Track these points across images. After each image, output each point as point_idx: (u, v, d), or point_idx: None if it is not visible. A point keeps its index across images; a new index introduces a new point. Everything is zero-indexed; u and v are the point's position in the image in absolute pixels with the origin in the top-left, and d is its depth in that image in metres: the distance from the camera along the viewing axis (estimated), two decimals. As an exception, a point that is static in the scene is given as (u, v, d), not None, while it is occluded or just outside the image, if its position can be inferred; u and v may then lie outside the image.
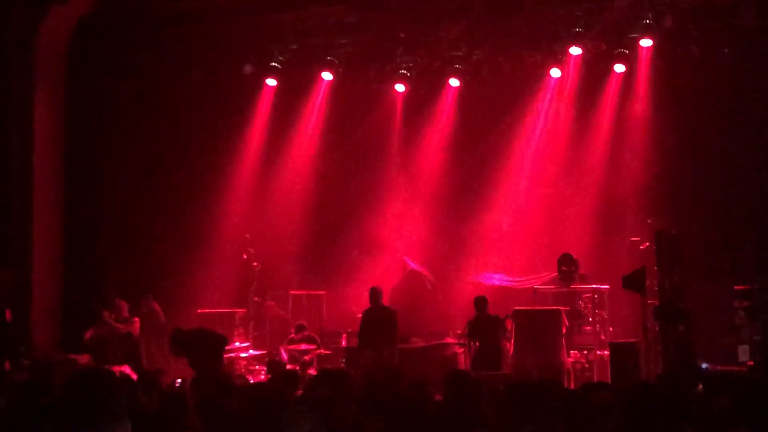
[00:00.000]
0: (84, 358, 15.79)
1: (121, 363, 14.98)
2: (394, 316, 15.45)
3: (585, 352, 16.07)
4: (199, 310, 16.97)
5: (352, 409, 7.05)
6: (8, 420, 5.84)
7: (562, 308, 15.82)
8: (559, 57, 17.59)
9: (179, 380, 13.62)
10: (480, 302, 15.70)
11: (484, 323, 15.49)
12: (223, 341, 14.86)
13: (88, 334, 15.88)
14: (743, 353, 15.02)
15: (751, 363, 13.91)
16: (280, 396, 7.79)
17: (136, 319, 16.37)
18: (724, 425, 7.02)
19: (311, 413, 4.12)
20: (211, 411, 6.50)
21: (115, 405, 3.41)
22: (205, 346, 14.61)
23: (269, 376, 14.83)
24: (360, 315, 18.11)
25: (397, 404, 7.19)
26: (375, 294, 15.67)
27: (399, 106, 19.26)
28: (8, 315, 16.07)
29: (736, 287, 15.44)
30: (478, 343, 15.40)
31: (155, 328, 17.02)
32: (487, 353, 15.19)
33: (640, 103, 17.66)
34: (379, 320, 15.38)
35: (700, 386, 8.71)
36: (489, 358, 15.05)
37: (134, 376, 13.08)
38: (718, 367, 13.39)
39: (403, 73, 18.51)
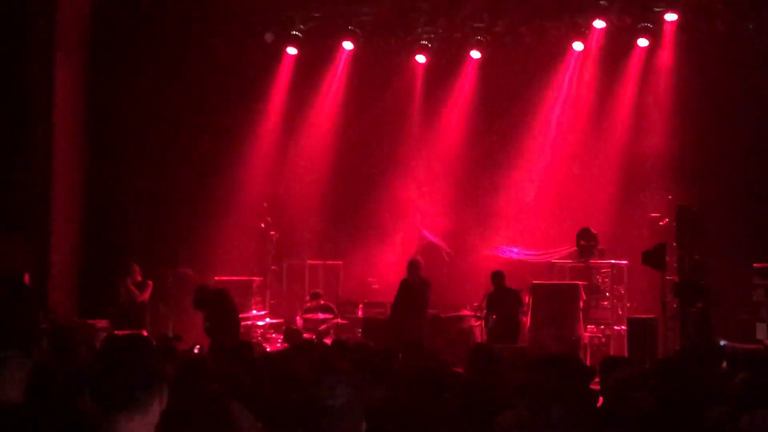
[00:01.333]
0: (102, 323, 15.87)
1: (137, 328, 15.06)
2: (427, 289, 15.43)
3: (602, 327, 16.07)
4: (216, 278, 16.98)
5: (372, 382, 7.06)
6: (36, 388, 5.85)
7: (580, 282, 15.80)
8: (582, 30, 17.46)
9: (197, 347, 13.71)
10: (497, 276, 15.70)
11: (501, 296, 15.50)
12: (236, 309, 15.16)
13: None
14: (761, 331, 14.99)
15: (769, 341, 13.86)
16: (302, 364, 7.79)
17: (150, 282, 16.48)
18: (747, 403, 6.99)
19: (347, 384, 4.11)
20: (234, 380, 6.49)
21: (152, 370, 3.41)
22: (224, 309, 14.83)
23: (286, 344, 14.85)
24: (376, 286, 18.22)
25: (420, 378, 7.18)
26: (412, 266, 15.60)
27: (420, 77, 19.14)
28: (26, 279, 16.11)
29: (755, 265, 15.39)
30: (495, 316, 15.41)
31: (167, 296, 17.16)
32: (504, 326, 15.20)
33: (663, 79, 17.53)
34: (412, 293, 15.36)
35: (725, 363, 8.68)
36: (506, 331, 15.06)
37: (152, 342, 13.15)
38: (736, 345, 13.34)
39: (425, 44, 18.41)
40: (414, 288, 15.41)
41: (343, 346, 9.65)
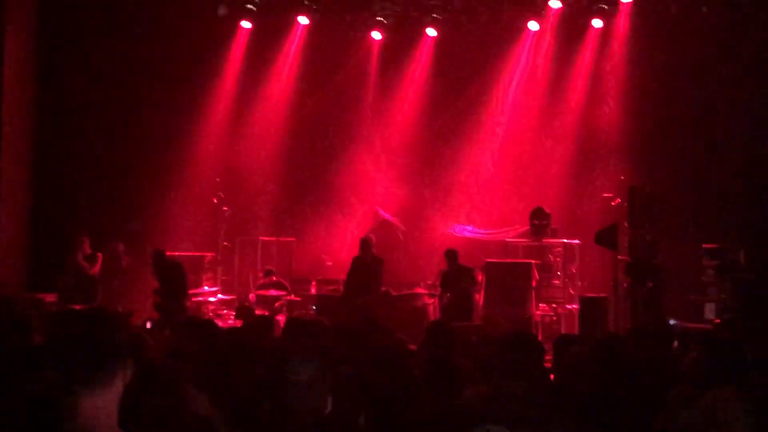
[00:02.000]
0: (51, 298, 15.69)
1: (85, 303, 14.94)
2: (379, 267, 15.47)
3: (554, 305, 16.21)
4: (168, 253, 16.83)
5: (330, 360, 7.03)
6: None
7: (532, 261, 15.90)
8: (538, 9, 17.52)
9: (149, 323, 13.59)
10: (451, 253, 15.76)
11: (455, 274, 15.55)
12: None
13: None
14: (710, 311, 15.21)
15: (718, 321, 14.05)
16: (260, 342, 7.75)
17: (99, 254, 16.39)
18: (699, 382, 7.08)
19: (312, 360, 4.09)
20: (194, 356, 6.44)
21: (115, 343, 3.35)
22: (178, 281, 14.90)
23: (239, 321, 14.79)
24: (329, 263, 18.19)
25: (375, 355, 7.17)
26: (364, 244, 15.60)
27: (375, 54, 19.07)
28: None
29: (705, 245, 15.59)
30: (449, 294, 15.47)
31: (116, 270, 17.00)
32: (458, 304, 15.26)
33: (617, 60, 17.67)
34: (364, 270, 15.38)
35: (676, 343, 8.78)
36: (460, 309, 15.11)
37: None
38: (687, 324, 13.52)
39: (380, 20, 18.35)
40: (366, 265, 15.43)
41: (300, 323, 9.61)
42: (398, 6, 18.15)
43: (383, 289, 16.01)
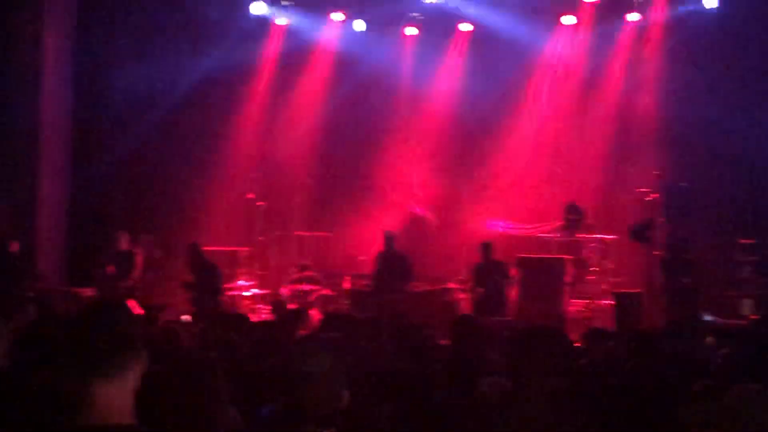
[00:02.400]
0: (88, 292, 15.88)
1: (126, 296, 15.08)
2: (404, 261, 15.49)
3: (588, 301, 16.10)
4: (204, 248, 16.94)
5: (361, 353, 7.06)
6: (19, 353, 5.84)
7: (566, 257, 15.83)
8: (573, 3, 17.44)
9: (184, 316, 13.69)
10: (485, 247, 15.70)
11: (488, 268, 15.51)
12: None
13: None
14: (746, 307, 15.08)
15: (755, 317, 13.91)
16: (290, 334, 7.81)
17: (138, 251, 16.47)
18: (731, 377, 7.02)
19: (326, 352, 4.10)
20: (222, 348, 6.50)
21: (127, 334, 3.39)
22: (213, 275, 15.07)
23: (274, 315, 14.88)
24: (362, 258, 18.20)
25: (402, 349, 7.20)
26: (387, 239, 15.61)
27: (410, 48, 19.09)
28: (15, 247, 16.08)
29: (741, 241, 15.45)
30: (481, 289, 15.44)
31: (150, 263, 17.12)
32: (491, 299, 15.23)
33: (652, 54, 17.52)
34: (388, 265, 15.40)
35: (709, 338, 8.73)
36: (492, 304, 15.08)
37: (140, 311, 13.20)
38: (722, 320, 13.41)
39: (415, 15, 18.35)
40: (390, 260, 15.41)
41: (331, 317, 9.68)
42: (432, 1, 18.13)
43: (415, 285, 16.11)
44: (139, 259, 16.40)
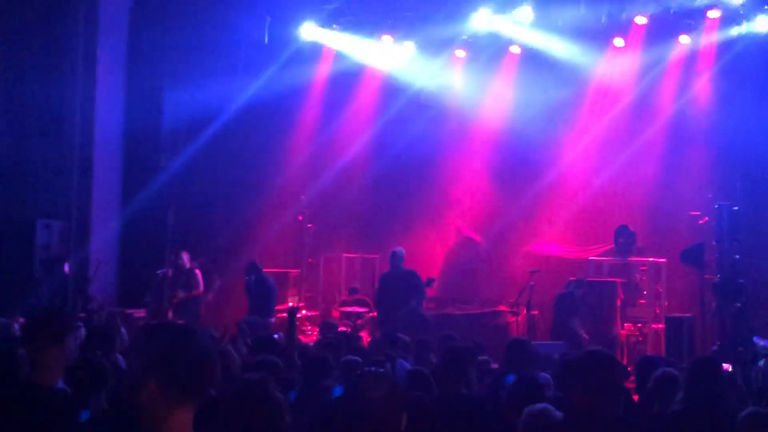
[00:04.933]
0: (140, 313, 16.02)
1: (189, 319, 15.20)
2: (413, 278, 15.26)
3: (639, 325, 15.96)
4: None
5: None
6: (71, 375, 5.94)
7: (617, 280, 15.72)
8: (623, 26, 17.33)
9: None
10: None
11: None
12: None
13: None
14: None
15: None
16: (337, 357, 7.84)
17: (198, 272, 16.53)
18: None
19: (384, 377, 4.12)
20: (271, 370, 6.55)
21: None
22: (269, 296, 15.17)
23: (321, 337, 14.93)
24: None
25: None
26: (394, 257, 15.43)
27: (459, 71, 19.15)
28: (66, 268, 16.31)
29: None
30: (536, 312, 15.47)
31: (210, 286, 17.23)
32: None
33: (705, 77, 17.40)
34: (397, 285, 15.18)
35: (761, 363, 8.63)
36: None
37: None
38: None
39: (464, 38, 18.38)
40: (393, 280, 15.21)
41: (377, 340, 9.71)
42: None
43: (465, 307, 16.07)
44: (200, 278, 16.47)
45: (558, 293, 15.64)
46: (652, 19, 16.98)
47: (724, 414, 6.09)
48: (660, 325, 15.60)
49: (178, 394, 3.23)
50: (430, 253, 18.71)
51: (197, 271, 16.46)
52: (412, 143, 18.85)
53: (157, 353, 3.24)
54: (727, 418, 6.01)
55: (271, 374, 6.50)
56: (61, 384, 5.55)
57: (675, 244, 16.07)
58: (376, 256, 18.74)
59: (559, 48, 17.87)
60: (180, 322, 12.90)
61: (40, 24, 16.96)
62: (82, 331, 10.84)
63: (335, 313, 17.40)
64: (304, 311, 18.00)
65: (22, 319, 9.34)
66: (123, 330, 12.10)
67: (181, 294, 16.18)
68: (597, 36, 17.59)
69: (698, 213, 15.90)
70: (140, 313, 16.03)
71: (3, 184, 16.27)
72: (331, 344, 9.59)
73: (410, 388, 6.33)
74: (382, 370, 4.27)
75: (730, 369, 8.13)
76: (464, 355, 7.00)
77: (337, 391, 4.51)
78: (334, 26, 18.70)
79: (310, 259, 18.99)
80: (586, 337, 14.76)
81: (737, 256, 14.31)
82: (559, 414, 5.50)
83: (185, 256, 16.51)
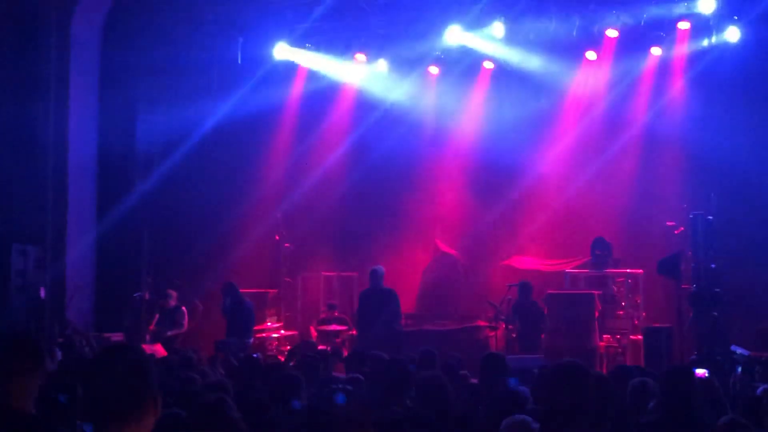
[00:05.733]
0: (117, 337, 15.93)
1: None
2: (391, 296, 15.09)
3: (618, 336, 15.98)
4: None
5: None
6: (44, 399, 5.88)
7: (595, 292, 15.73)
8: (595, 39, 17.42)
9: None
10: (526, 287, 15.62)
11: (527, 308, 15.44)
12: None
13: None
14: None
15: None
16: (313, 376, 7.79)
17: (184, 308, 16.61)
18: (763, 410, 6.95)
19: (351, 393, 4.09)
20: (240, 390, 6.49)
21: (143, 381, 3.37)
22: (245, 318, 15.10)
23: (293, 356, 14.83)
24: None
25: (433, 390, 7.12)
26: (373, 275, 15.25)
27: (433, 87, 19.19)
28: (42, 293, 16.21)
29: (771, 272, 15.30)
30: (516, 326, 15.44)
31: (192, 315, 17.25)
32: (528, 337, 15.22)
33: (677, 88, 17.51)
34: (375, 303, 15.01)
35: (739, 370, 8.65)
36: (529, 341, 15.10)
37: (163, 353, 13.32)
38: (752, 353, 13.25)
39: (437, 54, 18.42)
40: (377, 297, 15.14)
41: (359, 357, 9.66)
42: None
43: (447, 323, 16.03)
44: (186, 317, 16.56)
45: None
46: (624, 32, 17.08)
47: (699, 422, 6.09)
48: (639, 336, 15.62)
49: (100, 414, 3.22)
50: (409, 269, 18.65)
51: (183, 309, 16.54)
52: (387, 161, 18.87)
53: (84, 373, 3.27)
54: (703, 426, 6.01)
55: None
56: (33, 410, 5.49)
57: (651, 254, 16.09)
58: (355, 274, 18.70)
59: (532, 62, 17.95)
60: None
61: (12, 48, 16.93)
62: (59, 356, 10.77)
63: (314, 333, 17.33)
64: (282, 331, 17.94)
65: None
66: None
67: (169, 333, 16.22)
68: (569, 49, 17.65)
69: (674, 223, 15.94)
70: (118, 336, 15.93)
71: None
72: (308, 363, 9.53)
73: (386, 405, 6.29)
74: (350, 387, 4.24)
75: (707, 375, 8.13)
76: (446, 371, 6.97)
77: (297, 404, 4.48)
78: (307, 45, 18.72)
79: (287, 279, 18.93)
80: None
81: (713, 266, 14.33)
82: (536, 426, 5.48)
83: (173, 294, 16.56)
